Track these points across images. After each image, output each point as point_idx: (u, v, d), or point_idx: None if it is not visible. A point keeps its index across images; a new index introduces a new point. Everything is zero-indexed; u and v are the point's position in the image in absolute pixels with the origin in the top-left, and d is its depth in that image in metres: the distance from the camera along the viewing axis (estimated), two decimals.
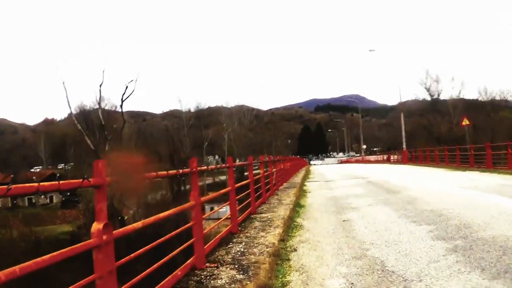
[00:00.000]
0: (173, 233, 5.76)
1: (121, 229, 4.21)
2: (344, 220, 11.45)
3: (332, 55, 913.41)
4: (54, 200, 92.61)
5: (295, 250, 8.36)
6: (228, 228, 9.34)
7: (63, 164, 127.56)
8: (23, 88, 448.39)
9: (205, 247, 6.90)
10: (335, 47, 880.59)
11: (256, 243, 8.30)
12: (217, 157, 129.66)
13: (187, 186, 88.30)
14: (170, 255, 5.59)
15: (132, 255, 4.37)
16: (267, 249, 7.69)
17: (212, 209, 48.00)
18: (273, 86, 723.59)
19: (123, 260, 4.17)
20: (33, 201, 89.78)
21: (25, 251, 36.11)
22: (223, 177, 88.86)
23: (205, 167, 7.69)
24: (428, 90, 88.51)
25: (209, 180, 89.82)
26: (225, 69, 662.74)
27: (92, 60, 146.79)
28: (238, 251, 7.69)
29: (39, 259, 2.98)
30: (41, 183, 3.07)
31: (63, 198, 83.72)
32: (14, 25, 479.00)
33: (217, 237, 8.23)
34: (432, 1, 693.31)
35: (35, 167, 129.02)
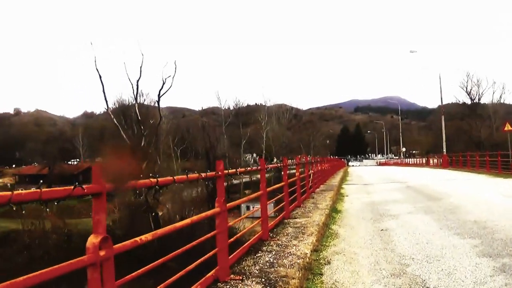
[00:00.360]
0: (193, 243, 5.19)
1: (125, 243, 3.65)
2: (382, 229, 10.85)
3: (374, 56, 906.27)
4: None
5: (329, 262, 7.77)
6: (258, 234, 8.77)
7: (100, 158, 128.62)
8: (65, 81, 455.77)
9: (230, 256, 6.36)
10: (376, 47, 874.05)
11: (287, 252, 7.73)
12: (255, 155, 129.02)
13: (233, 181, 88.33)
14: (189, 267, 5.04)
15: (134, 273, 3.81)
16: (298, 261, 7.11)
17: (248, 208, 47.87)
18: (313, 86, 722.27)
19: (125, 278, 3.62)
20: None
21: (57, 243, 36.20)
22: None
23: (234, 170, 7.08)
24: (468, 93, 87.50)
25: (246, 178, 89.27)
26: (265, 68, 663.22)
27: (133, 55, 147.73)
28: (267, 261, 7.12)
29: (18, 279, 2.47)
30: (15, 192, 2.53)
31: None
32: (56, 19, 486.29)
33: (245, 244, 7.66)
34: (475, 2, 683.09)
35: (72, 160, 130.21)
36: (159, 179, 4.14)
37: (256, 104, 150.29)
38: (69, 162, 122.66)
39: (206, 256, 5.58)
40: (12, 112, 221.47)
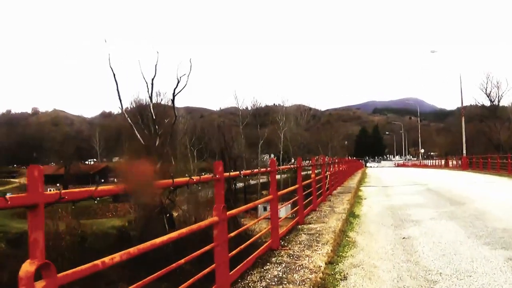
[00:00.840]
0: (181, 261, 4.37)
1: (79, 268, 2.81)
2: (404, 238, 9.99)
3: (392, 57, 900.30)
4: None
5: (345, 278, 6.87)
6: (267, 243, 7.95)
7: (117, 158, 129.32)
8: (83, 81, 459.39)
9: (232, 272, 5.53)
10: (395, 49, 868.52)
11: (299, 265, 6.93)
12: (272, 155, 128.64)
13: (251, 181, 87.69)
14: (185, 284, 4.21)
15: None
16: (311, 276, 6.30)
17: (265, 208, 47.24)
18: (331, 87, 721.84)
19: None
20: None
21: (70, 244, 35.72)
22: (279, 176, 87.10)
23: (236, 173, 6.24)
24: (488, 95, 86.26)
25: (263, 179, 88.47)
26: (284, 68, 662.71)
27: (150, 54, 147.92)
28: (275, 276, 6.32)
29: None
30: None
31: None
32: (75, 18, 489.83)
33: (250, 257, 6.81)
34: (494, 2, 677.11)
35: (89, 160, 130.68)
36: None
37: (274, 104, 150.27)
38: (86, 162, 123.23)
39: (200, 274, 4.74)
40: (30, 111, 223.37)
